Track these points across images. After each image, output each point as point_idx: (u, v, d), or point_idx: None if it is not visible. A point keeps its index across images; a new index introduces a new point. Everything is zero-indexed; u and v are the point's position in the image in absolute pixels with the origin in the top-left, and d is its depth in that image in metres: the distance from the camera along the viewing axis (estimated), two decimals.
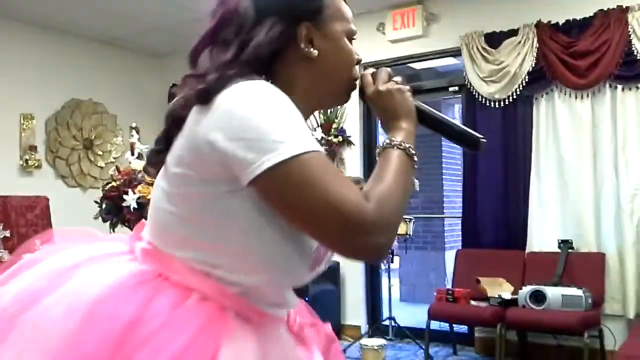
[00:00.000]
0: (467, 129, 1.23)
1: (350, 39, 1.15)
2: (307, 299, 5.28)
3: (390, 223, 0.96)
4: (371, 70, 1.21)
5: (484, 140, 1.21)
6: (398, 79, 1.17)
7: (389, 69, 1.20)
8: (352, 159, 5.67)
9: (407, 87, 1.15)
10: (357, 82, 1.18)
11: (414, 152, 1.06)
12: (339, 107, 5.69)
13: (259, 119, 0.94)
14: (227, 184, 0.96)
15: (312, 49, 1.08)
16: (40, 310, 0.94)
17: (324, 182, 0.92)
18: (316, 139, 1.19)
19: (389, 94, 1.14)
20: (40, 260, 1.07)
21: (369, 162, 5.74)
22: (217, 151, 0.94)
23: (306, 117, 1.09)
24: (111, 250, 1.09)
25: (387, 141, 1.07)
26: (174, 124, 1.06)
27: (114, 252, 1.08)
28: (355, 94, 1.20)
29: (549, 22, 4.63)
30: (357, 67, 1.17)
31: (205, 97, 1.00)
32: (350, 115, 5.68)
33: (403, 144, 1.06)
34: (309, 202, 0.92)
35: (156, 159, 1.09)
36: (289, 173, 0.91)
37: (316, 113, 5.83)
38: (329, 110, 5.72)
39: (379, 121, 1.18)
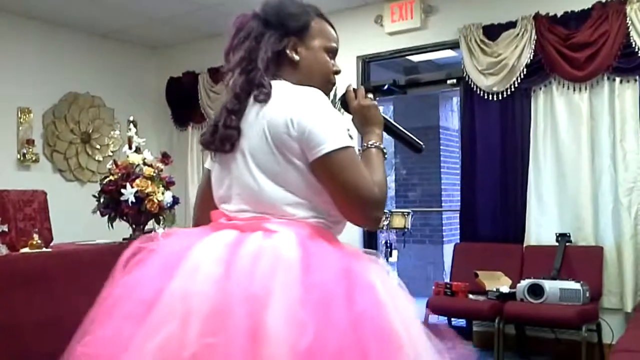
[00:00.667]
0: (413, 137, 1.69)
1: (329, 54, 1.59)
2: None
3: (384, 202, 1.42)
4: (351, 86, 1.67)
5: (423, 147, 1.71)
6: (370, 95, 1.64)
7: (362, 86, 1.68)
8: None
9: (376, 102, 1.63)
10: (334, 90, 1.67)
11: (385, 150, 1.50)
12: (337, 101, 5.66)
13: (327, 113, 1.39)
14: (303, 161, 1.37)
15: (294, 55, 1.51)
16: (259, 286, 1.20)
17: (357, 171, 1.36)
18: None
19: (367, 108, 1.61)
20: (181, 252, 1.32)
21: None
22: (297, 129, 1.35)
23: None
24: (233, 235, 1.35)
25: (369, 143, 1.51)
26: (231, 114, 1.47)
27: (241, 235, 1.34)
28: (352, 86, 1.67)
29: (547, 14, 4.62)
30: (334, 75, 1.64)
31: (267, 98, 1.41)
32: None
33: (379, 145, 1.51)
34: (346, 182, 1.35)
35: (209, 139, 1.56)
36: (339, 159, 1.34)
37: None
38: None
39: (357, 127, 1.61)
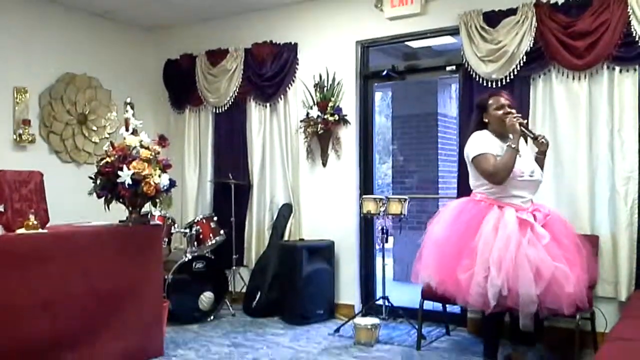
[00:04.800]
0: (532, 132, 3.80)
1: (497, 109, 3.75)
2: (301, 277, 5.33)
3: (501, 174, 3.54)
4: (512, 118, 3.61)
5: (537, 136, 3.75)
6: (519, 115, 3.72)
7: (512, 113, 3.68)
8: (348, 138, 5.65)
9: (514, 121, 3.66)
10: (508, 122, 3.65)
11: (514, 146, 3.57)
12: (335, 85, 5.66)
13: (473, 143, 3.76)
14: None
15: (485, 119, 3.80)
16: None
17: (485, 162, 3.60)
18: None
19: (510, 126, 3.68)
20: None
21: (365, 141, 5.72)
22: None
23: (502, 138, 3.71)
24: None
25: (508, 144, 3.61)
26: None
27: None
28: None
29: (548, 1, 4.60)
30: (503, 115, 3.71)
31: None
32: (347, 94, 5.65)
33: (512, 145, 3.58)
34: (481, 168, 3.64)
35: None
36: (476, 159, 3.66)
37: (313, 92, 5.82)
38: (325, 89, 5.69)
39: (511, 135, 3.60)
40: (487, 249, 3.40)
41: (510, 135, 3.63)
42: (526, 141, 3.95)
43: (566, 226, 3.70)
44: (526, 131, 3.70)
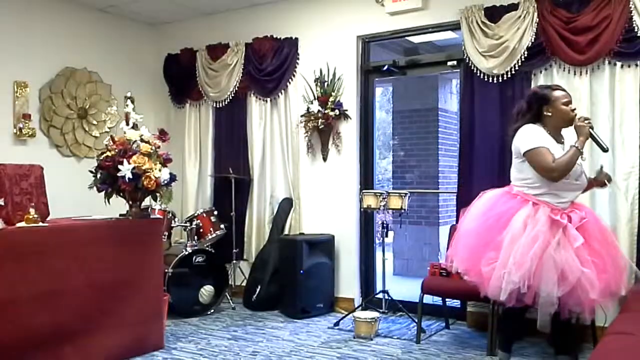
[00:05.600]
0: (602, 141, 3.55)
1: (566, 104, 3.55)
2: (302, 272, 5.34)
3: (561, 171, 3.39)
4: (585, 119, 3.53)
5: (608, 148, 3.62)
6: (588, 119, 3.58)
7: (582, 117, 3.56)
8: (349, 132, 5.65)
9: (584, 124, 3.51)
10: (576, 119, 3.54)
11: (580, 148, 3.43)
12: (336, 80, 5.66)
13: (527, 136, 3.53)
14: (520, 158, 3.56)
15: (547, 112, 3.56)
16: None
17: (543, 156, 3.42)
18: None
19: (578, 127, 3.51)
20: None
21: (365, 136, 5.72)
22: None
23: (555, 134, 3.57)
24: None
25: (573, 144, 3.46)
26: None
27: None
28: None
29: None
30: (571, 111, 3.56)
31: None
32: (348, 89, 5.64)
33: (577, 146, 3.44)
34: (538, 162, 3.44)
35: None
36: (532, 152, 3.46)
37: (314, 87, 5.81)
38: (325, 84, 5.68)
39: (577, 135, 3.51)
40: (513, 244, 3.38)
41: (576, 137, 3.48)
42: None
43: (602, 230, 3.59)
44: (597, 138, 3.52)
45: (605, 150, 3.54)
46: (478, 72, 4.86)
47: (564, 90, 3.67)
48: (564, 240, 3.36)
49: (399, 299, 5.23)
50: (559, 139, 3.57)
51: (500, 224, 3.49)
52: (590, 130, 3.49)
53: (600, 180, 3.81)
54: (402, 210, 5.00)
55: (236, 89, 6.20)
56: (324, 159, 5.78)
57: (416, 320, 4.62)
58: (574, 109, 3.59)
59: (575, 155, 3.42)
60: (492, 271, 3.41)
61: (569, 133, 3.62)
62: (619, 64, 4.36)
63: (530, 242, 3.34)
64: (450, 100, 8.19)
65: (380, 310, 5.10)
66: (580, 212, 3.53)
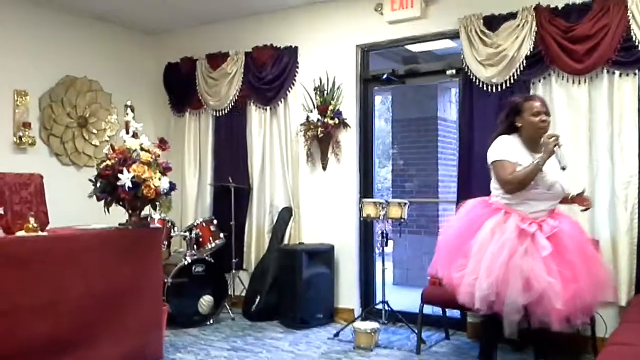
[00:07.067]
0: (564, 160, 3.38)
1: (535, 115, 3.51)
2: (301, 281, 5.33)
3: (516, 184, 3.40)
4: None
5: (566, 167, 3.39)
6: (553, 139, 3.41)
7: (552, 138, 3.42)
8: (348, 142, 5.65)
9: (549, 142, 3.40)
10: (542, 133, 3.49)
11: (539, 165, 3.36)
12: (335, 89, 5.67)
13: (494, 148, 3.58)
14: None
15: (518, 124, 3.57)
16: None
17: (503, 169, 3.46)
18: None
19: (545, 144, 3.41)
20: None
21: (365, 145, 5.72)
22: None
23: (531, 144, 3.53)
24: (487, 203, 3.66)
25: (535, 160, 3.40)
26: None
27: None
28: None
29: (549, 6, 4.60)
30: (541, 122, 3.51)
31: None
32: (347, 98, 5.65)
33: (539, 162, 3.37)
34: (497, 174, 3.52)
35: None
36: (495, 164, 3.52)
37: (313, 96, 5.83)
38: (325, 93, 5.69)
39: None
40: (482, 252, 3.39)
41: (542, 152, 3.38)
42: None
43: (580, 242, 3.49)
44: (560, 158, 3.36)
45: (562, 169, 3.39)
46: (477, 81, 4.87)
47: (541, 101, 3.63)
48: (532, 248, 3.33)
49: (399, 309, 5.21)
50: (536, 149, 3.49)
51: (472, 232, 3.51)
52: (556, 148, 3.38)
53: (579, 201, 3.69)
54: (402, 220, 5.00)
55: (236, 98, 6.21)
56: (324, 168, 5.78)
57: (416, 331, 4.60)
58: (545, 120, 3.51)
59: (534, 171, 3.36)
60: (461, 278, 3.43)
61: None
62: (617, 72, 4.37)
63: (498, 250, 3.34)
64: (449, 109, 8.20)
65: (381, 321, 5.08)
66: (554, 222, 3.46)
